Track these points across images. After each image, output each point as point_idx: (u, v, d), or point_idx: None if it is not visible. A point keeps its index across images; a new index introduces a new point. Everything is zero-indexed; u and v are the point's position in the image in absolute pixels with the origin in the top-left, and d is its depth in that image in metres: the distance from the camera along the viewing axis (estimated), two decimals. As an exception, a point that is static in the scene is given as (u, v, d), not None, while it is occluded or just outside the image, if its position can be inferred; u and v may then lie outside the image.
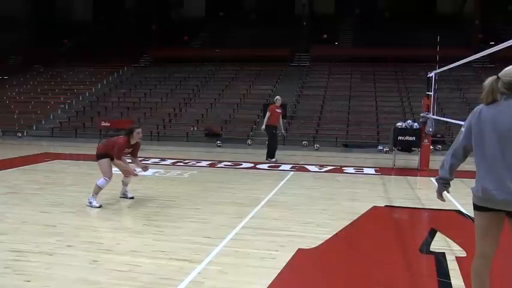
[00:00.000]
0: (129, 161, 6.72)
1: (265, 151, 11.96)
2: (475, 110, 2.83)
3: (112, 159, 6.21)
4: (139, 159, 7.00)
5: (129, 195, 6.67)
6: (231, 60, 26.24)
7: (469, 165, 3.28)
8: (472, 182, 2.89)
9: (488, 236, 2.82)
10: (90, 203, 6.10)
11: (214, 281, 3.72)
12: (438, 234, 5.22)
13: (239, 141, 16.94)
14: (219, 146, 16.23)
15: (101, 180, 6.15)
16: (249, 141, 17.03)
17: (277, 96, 12.06)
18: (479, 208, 2.81)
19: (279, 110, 11.76)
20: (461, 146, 2.90)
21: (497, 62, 23.31)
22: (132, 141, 6.24)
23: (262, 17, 32.31)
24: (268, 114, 11.57)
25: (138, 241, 4.73)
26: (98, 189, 6.14)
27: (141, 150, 15.40)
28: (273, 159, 11.64)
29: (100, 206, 6.07)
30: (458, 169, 3.14)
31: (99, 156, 6.25)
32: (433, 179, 9.18)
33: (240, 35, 30.09)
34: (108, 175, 6.20)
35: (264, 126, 11.59)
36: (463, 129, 2.90)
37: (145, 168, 6.70)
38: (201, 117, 19.78)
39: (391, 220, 6.21)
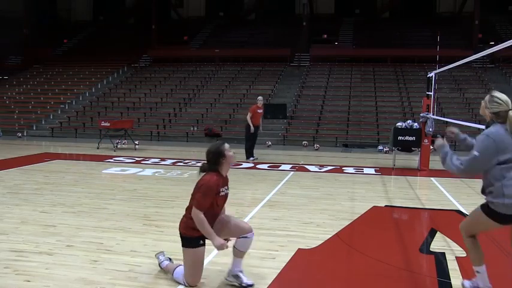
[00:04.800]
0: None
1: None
2: None
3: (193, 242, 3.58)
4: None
5: (245, 282, 3.60)
6: (231, 60, 26.26)
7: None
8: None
9: None
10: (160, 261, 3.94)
11: (214, 281, 3.72)
12: (438, 234, 5.22)
13: (239, 141, 16.91)
14: (219, 146, 16.21)
15: (179, 272, 3.68)
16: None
17: (259, 97, 12.28)
18: None
19: (260, 111, 11.96)
20: None
21: (497, 62, 23.41)
22: (224, 172, 3.68)
23: (262, 17, 32.33)
24: (249, 114, 11.70)
25: (138, 241, 4.73)
26: (169, 272, 3.78)
27: (141, 150, 15.31)
28: (253, 158, 11.82)
29: None
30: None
31: (182, 240, 3.66)
32: (433, 179, 9.21)
33: (240, 35, 30.11)
34: (191, 279, 3.58)
35: (251, 127, 11.62)
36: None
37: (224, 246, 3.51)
38: (201, 117, 19.78)
39: (391, 220, 6.20)
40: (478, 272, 3.40)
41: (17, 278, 3.68)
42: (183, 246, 3.62)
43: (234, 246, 3.60)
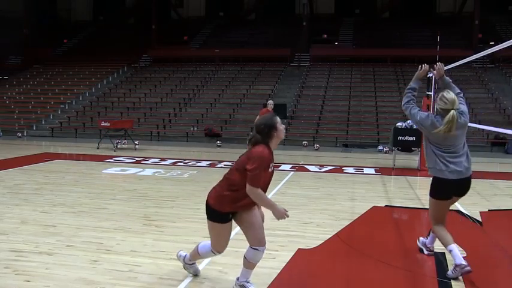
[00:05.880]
0: None
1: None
2: None
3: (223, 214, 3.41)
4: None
5: None
6: (231, 60, 26.26)
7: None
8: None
9: None
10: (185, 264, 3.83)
11: (214, 281, 3.72)
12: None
13: (239, 141, 16.92)
14: (219, 146, 16.23)
15: (204, 245, 3.67)
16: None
17: (270, 101, 12.20)
18: None
19: None
20: None
21: (497, 62, 23.40)
22: (273, 146, 3.45)
23: (262, 17, 32.33)
24: (259, 117, 11.66)
25: (138, 241, 4.73)
26: (197, 255, 3.72)
27: (141, 150, 15.29)
28: None
29: None
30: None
31: (210, 212, 3.46)
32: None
33: (240, 35, 30.11)
34: (219, 247, 3.59)
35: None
36: None
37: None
38: (201, 117, 19.79)
39: (391, 220, 6.20)
40: (450, 250, 3.86)
41: (17, 278, 3.68)
42: (209, 218, 3.43)
43: (244, 256, 3.49)
